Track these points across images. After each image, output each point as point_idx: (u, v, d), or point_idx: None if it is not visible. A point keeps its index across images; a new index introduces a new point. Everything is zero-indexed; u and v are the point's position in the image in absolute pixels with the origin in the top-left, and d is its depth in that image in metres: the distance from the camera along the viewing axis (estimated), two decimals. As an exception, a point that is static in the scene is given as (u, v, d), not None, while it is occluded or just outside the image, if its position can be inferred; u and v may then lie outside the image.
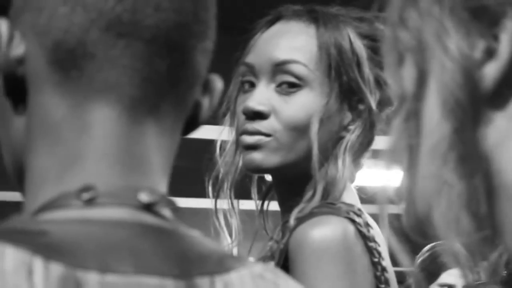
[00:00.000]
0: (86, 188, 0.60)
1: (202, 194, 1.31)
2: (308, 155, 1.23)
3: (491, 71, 0.48)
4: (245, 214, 1.31)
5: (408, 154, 0.52)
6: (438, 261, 2.59)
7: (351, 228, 1.17)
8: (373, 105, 1.27)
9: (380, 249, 1.20)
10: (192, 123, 0.68)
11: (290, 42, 1.26)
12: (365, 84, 1.27)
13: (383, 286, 1.19)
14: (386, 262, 1.21)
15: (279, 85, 1.25)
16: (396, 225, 0.52)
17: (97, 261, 0.57)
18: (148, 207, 0.62)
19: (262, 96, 1.25)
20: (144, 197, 0.61)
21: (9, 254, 0.56)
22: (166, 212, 0.63)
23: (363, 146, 1.28)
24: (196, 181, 1.39)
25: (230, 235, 1.30)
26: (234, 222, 1.30)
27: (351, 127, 1.27)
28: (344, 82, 1.25)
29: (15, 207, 0.71)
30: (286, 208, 1.24)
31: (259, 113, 1.24)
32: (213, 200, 1.31)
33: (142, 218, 0.61)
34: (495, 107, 0.49)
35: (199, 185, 1.34)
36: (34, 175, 0.63)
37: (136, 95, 0.63)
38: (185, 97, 0.66)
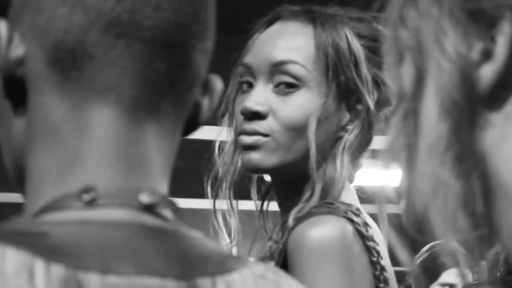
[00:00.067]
0: (87, 189, 0.60)
1: (201, 195, 1.31)
2: (306, 155, 1.23)
3: (487, 73, 0.49)
4: (245, 215, 1.32)
5: (407, 153, 0.52)
6: (438, 260, 2.60)
7: (349, 227, 1.17)
8: (371, 105, 1.27)
9: (379, 248, 1.20)
10: (192, 124, 0.68)
11: (288, 42, 1.27)
12: (363, 84, 1.27)
13: (382, 285, 1.19)
14: (385, 261, 1.21)
15: (277, 85, 1.25)
16: (396, 225, 0.53)
17: (98, 262, 0.57)
18: (149, 208, 0.62)
19: (260, 96, 1.25)
20: (144, 198, 0.61)
21: (10, 255, 0.56)
22: (167, 213, 0.63)
23: (362, 146, 1.28)
24: (195, 182, 1.39)
25: (229, 235, 1.30)
26: (233, 222, 1.31)
27: (349, 127, 1.27)
28: (342, 82, 1.26)
29: (16, 208, 0.71)
30: (285, 208, 1.24)
31: (257, 113, 1.24)
32: (212, 200, 1.31)
33: (143, 219, 0.61)
34: (491, 108, 0.49)
35: (198, 186, 1.34)
36: (34, 176, 0.63)
37: (136, 96, 0.63)
38: (185, 98, 0.66)
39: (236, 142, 1.28)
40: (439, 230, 0.49)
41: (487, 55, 0.49)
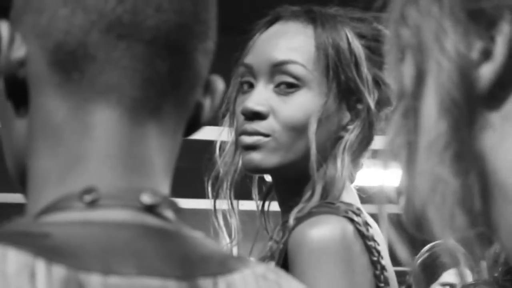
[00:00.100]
0: (88, 190, 0.60)
1: (202, 195, 1.31)
2: (307, 155, 1.23)
3: (486, 72, 0.49)
4: (245, 215, 1.32)
5: (406, 151, 0.52)
6: (438, 260, 2.60)
7: (350, 227, 1.17)
8: (372, 104, 1.27)
9: (379, 248, 1.20)
10: (194, 124, 0.68)
11: (288, 42, 1.27)
12: (363, 83, 1.27)
13: (382, 285, 1.19)
14: (386, 261, 1.21)
15: (278, 85, 1.25)
16: (396, 224, 0.53)
17: (100, 263, 0.57)
18: (151, 209, 0.62)
19: (261, 96, 1.25)
20: (146, 199, 0.61)
21: (11, 256, 0.56)
22: (169, 213, 0.63)
23: (362, 145, 1.28)
24: (196, 182, 1.39)
25: (230, 236, 1.30)
26: (234, 222, 1.31)
27: (350, 127, 1.27)
28: (342, 82, 1.26)
29: (17, 208, 0.71)
30: (286, 208, 1.24)
31: (258, 113, 1.24)
32: (213, 201, 1.31)
33: (144, 220, 0.61)
34: (490, 108, 0.49)
35: (199, 186, 1.34)
36: (36, 177, 0.63)
37: (137, 97, 0.63)
38: (186, 98, 0.66)
39: (237, 142, 1.28)
40: (437, 228, 0.49)
41: (486, 54, 0.49)
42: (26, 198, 0.65)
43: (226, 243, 1.29)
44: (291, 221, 1.19)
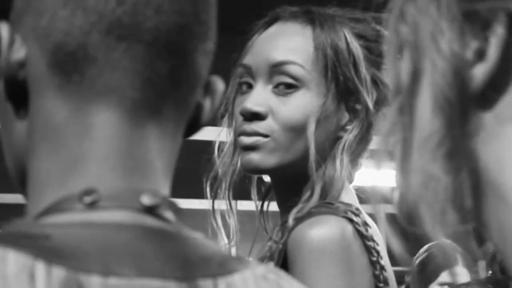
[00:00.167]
0: (88, 192, 0.60)
1: (200, 195, 1.31)
2: (305, 156, 1.23)
3: (479, 72, 0.49)
4: (244, 215, 1.32)
5: (401, 147, 0.52)
6: (436, 261, 2.60)
7: (349, 227, 1.17)
8: (370, 105, 1.27)
9: (378, 248, 1.20)
10: (194, 125, 0.68)
11: (287, 43, 1.27)
12: (362, 84, 1.27)
13: (381, 285, 1.19)
14: (385, 261, 1.22)
15: (276, 86, 1.26)
16: (394, 224, 0.53)
17: (100, 265, 0.57)
18: (150, 210, 0.62)
19: (260, 97, 1.25)
20: (146, 200, 0.61)
21: (11, 258, 0.56)
22: (169, 214, 0.63)
23: (361, 146, 1.28)
24: (194, 182, 1.39)
25: (228, 236, 1.30)
26: (232, 222, 1.31)
27: (349, 127, 1.27)
28: (341, 83, 1.26)
29: (17, 210, 0.71)
30: (285, 209, 1.24)
31: (257, 114, 1.24)
32: (211, 201, 1.32)
33: (144, 221, 0.61)
34: (482, 108, 0.50)
35: (197, 186, 1.34)
36: (36, 179, 0.63)
37: (137, 98, 0.63)
38: (186, 99, 0.66)
39: (235, 143, 1.28)
40: (428, 224, 0.50)
41: (480, 55, 0.49)
42: (26, 199, 0.65)
43: (225, 244, 1.30)
44: (291, 221, 1.19)
